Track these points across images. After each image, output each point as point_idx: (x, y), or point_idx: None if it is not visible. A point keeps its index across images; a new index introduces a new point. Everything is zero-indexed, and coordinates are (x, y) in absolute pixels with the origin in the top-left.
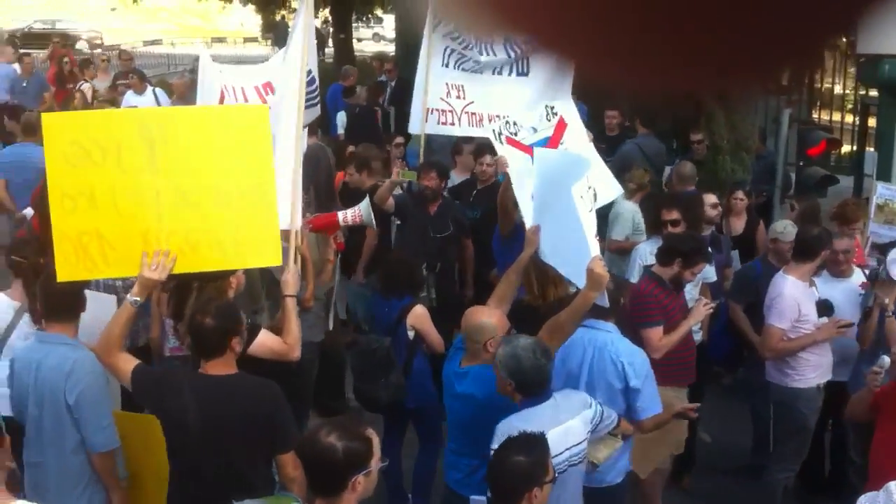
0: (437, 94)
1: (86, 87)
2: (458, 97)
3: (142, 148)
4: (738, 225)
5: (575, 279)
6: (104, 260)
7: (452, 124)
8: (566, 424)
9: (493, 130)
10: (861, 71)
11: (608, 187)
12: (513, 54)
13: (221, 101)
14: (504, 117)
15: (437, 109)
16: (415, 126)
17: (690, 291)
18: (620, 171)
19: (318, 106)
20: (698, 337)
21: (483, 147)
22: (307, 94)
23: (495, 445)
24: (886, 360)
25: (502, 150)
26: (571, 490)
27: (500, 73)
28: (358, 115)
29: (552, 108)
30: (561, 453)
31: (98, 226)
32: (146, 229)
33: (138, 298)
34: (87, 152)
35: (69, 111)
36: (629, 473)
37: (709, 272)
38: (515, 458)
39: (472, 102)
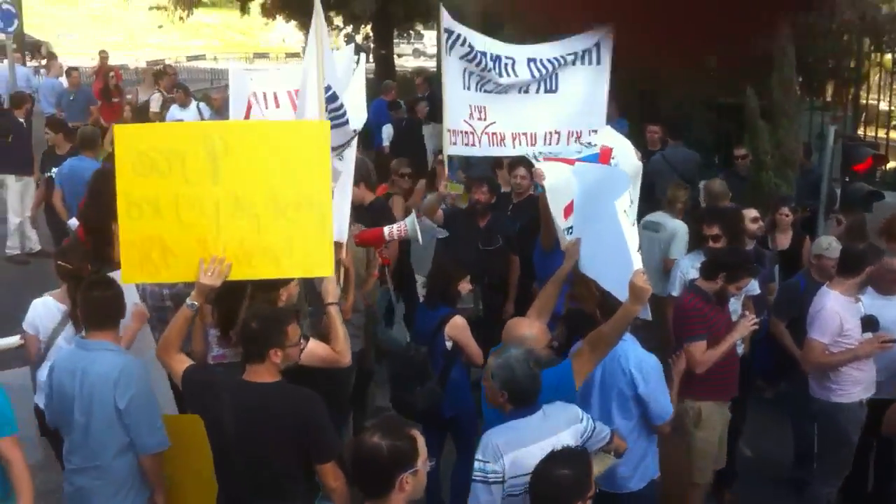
0: (459, 116)
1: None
2: (480, 119)
3: (205, 160)
4: (784, 240)
5: (617, 292)
6: (165, 265)
7: (473, 145)
8: (554, 437)
9: (529, 153)
10: None
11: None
12: (537, 74)
13: (248, 110)
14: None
15: (460, 131)
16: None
17: (733, 304)
18: (647, 185)
19: (349, 127)
20: (740, 350)
21: (517, 160)
22: (331, 111)
23: (480, 456)
24: None
25: (539, 164)
26: None
27: (526, 91)
28: (405, 128)
29: (589, 143)
30: None
31: (161, 233)
32: (205, 237)
33: (195, 303)
34: (154, 163)
35: (138, 123)
36: (654, 482)
37: (753, 285)
38: (560, 472)
39: (494, 123)
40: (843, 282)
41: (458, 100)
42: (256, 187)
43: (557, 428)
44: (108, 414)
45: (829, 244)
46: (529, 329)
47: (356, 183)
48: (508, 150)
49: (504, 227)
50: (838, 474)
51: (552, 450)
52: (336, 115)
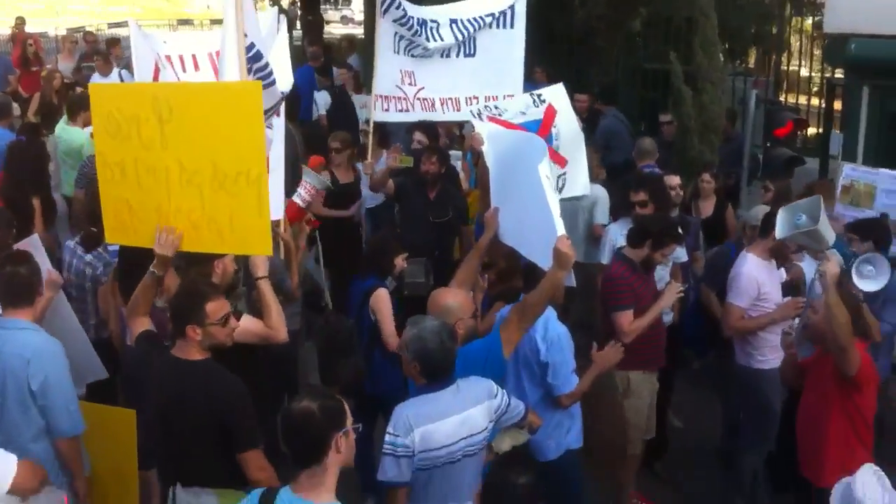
0: (391, 81)
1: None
2: (410, 84)
3: (155, 123)
4: (707, 208)
5: (539, 260)
6: (134, 229)
7: (407, 111)
8: (465, 413)
9: (472, 111)
10: (827, 51)
11: (581, 181)
12: (459, 36)
13: (156, 74)
14: (486, 100)
15: (393, 97)
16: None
17: (661, 273)
18: (607, 145)
19: (276, 88)
20: (669, 318)
21: (415, 124)
22: (257, 70)
23: (391, 429)
24: (800, 322)
25: (481, 126)
26: (468, 480)
27: (447, 55)
28: (337, 97)
29: (539, 95)
30: (456, 442)
31: (128, 196)
32: (159, 204)
33: (154, 271)
34: (119, 125)
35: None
36: (571, 452)
37: (679, 253)
38: (519, 481)
39: (423, 88)
40: (760, 243)
41: (389, 65)
42: (197, 155)
43: (470, 403)
44: (21, 395)
45: (759, 213)
46: (454, 299)
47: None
48: (438, 116)
49: (454, 198)
50: (762, 442)
51: (506, 458)
52: (263, 76)
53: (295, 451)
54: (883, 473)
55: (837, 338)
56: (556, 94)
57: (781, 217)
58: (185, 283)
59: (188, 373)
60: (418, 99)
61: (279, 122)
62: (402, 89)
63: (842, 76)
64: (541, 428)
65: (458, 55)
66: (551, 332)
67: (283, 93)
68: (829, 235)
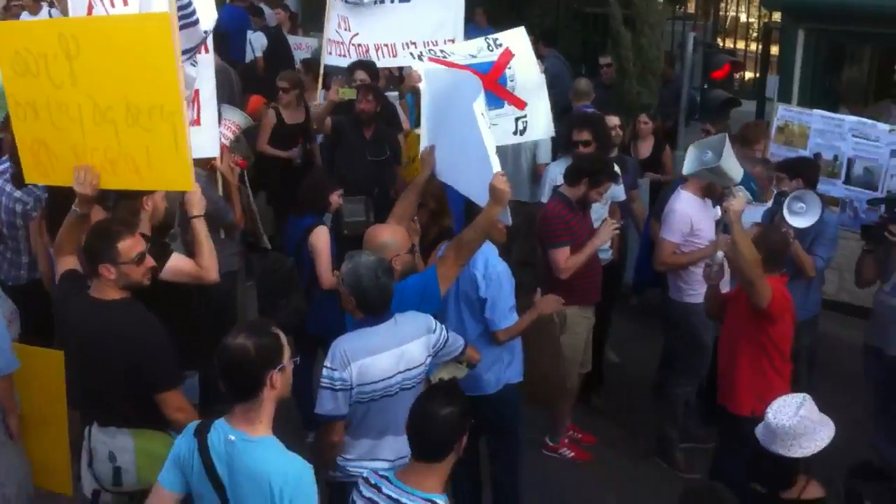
0: (332, 27)
1: None
2: (346, 29)
3: (63, 60)
4: (645, 149)
5: (476, 197)
6: (52, 168)
7: (344, 56)
8: (402, 347)
9: (411, 53)
10: None
11: (543, 124)
12: None
13: (90, 10)
14: (425, 45)
15: (334, 41)
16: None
17: (599, 211)
18: (549, 86)
19: (199, 27)
20: (608, 256)
21: (355, 64)
22: (179, 8)
23: (328, 363)
24: (720, 255)
25: (419, 65)
26: (405, 413)
27: (382, 1)
28: (273, 38)
29: (495, 39)
30: (393, 376)
31: (43, 136)
32: (75, 143)
33: (77, 210)
34: (27, 63)
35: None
36: (510, 386)
37: (617, 192)
38: (445, 410)
39: (358, 34)
40: (694, 181)
41: (332, 10)
42: (109, 91)
43: (407, 337)
44: None
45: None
46: (391, 235)
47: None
48: (374, 62)
49: (390, 137)
50: (693, 375)
51: (430, 390)
52: (185, 14)
53: (230, 386)
54: (803, 398)
55: (744, 272)
56: (516, 38)
57: (690, 154)
58: (98, 223)
59: (102, 312)
60: (353, 45)
61: (207, 58)
62: (340, 34)
63: (780, 20)
64: (480, 362)
65: (392, 0)
66: (491, 269)
67: (206, 31)
68: (735, 172)
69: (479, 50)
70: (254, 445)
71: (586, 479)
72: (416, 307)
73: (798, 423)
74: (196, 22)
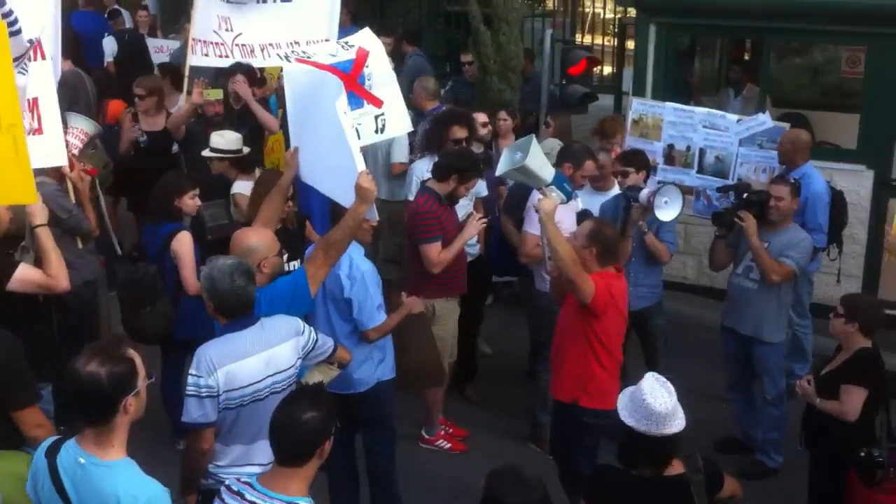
0: (208, 27)
1: None
2: (227, 30)
3: None
4: (505, 145)
5: (340, 199)
6: None
7: (226, 56)
8: (270, 351)
9: (279, 55)
10: None
11: (400, 121)
12: None
13: None
14: (293, 45)
15: (211, 42)
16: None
17: (466, 206)
18: (411, 83)
19: (22, 36)
20: (475, 251)
21: (234, 67)
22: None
23: (193, 370)
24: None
25: (288, 66)
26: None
27: (264, 1)
28: (128, 42)
29: (346, 42)
30: (262, 380)
31: None
32: None
33: None
34: None
35: None
36: (382, 383)
37: (481, 187)
38: (307, 415)
39: (241, 34)
40: None
41: (206, 9)
42: None
43: (275, 341)
44: None
45: (552, 147)
46: (258, 238)
47: None
48: (259, 62)
49: (244, 138)
50: None
51: (293, 394)
52: (8, 23)
53: (80, 411)
54: (666, 380)
55: (562, 271)
56: (365, 38)
57: (504, 155)
58: None
59: None
60: (237, 45)
61: (42, 65)
62: (220, 35)
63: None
64: (352, 361)
65: (274, 0)
66: (355, 269)
67: (30, 41)
68: (546, 172)
69: (336, 51)
70: (104, 469)
71: (461, 466)
72: (287, 308)
73: (675, 402)
74: (19, 31)
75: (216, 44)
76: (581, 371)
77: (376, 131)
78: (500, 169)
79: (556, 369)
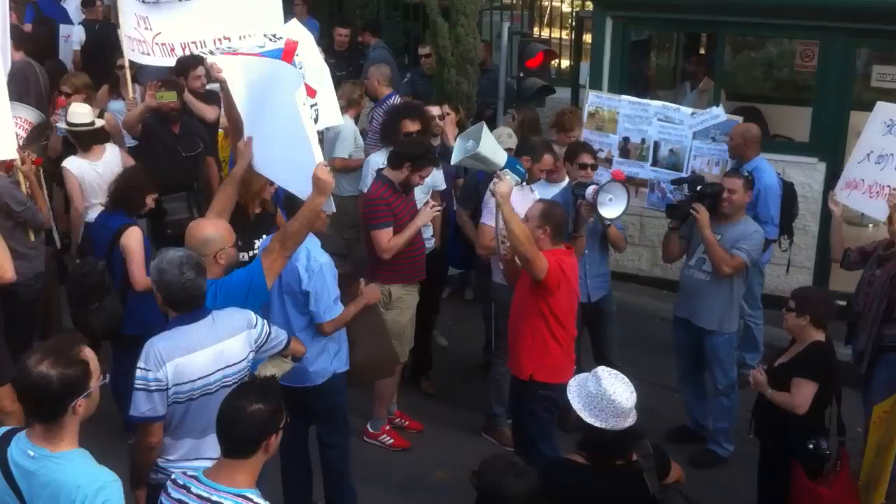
0: (130, 24)
1: None
2: (147, 28)
3: None
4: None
5: (296, 189)
6: None
7: (148, 54)
8: (221, 344)
9: (205, 52)
10: None
11: (331, 112)
12: None
13: None
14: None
15: (135, 39)
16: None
17: (423, 199)
18: None
19: None
20: (432, 244)
21: (188, 64)
22: None
23: (142, 364)
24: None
25: (214, 58)
26: None
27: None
28: (98, 32)
29: (274, 34)
30: (212, 374)
31: None
32: None
33: None
34: None
35: None
36: (337, 375)
37: (438, 179)
38: (254, 407)
39: (160, 33)
40: None
41: (126, 7)
42: None
43: (226, 334)
44: None
45: (508, 134)
46: (213, 229)
47: None
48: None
49: (199, 130)
50: None
51: (242, 386)
52: None
53: (29, 409)
54: (618, 372)
55: (517, 250)
56: (293, 29)
57: (457, 144)
58: None
59: None
60: (157, 44)
61: None
62: (140, 33)
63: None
64: (307, 354)
65: None
66: (313, 262)
67: None
68: (499, 157)
69: (263, 42)
70: (54, 461)
71: (415, 458)
72: (244, 300)
73: (634, 394)
74: None
75: (139, 41)
76: (536, 347)
77: (312, 118)
78: (455, 158)
79: (513, 347)
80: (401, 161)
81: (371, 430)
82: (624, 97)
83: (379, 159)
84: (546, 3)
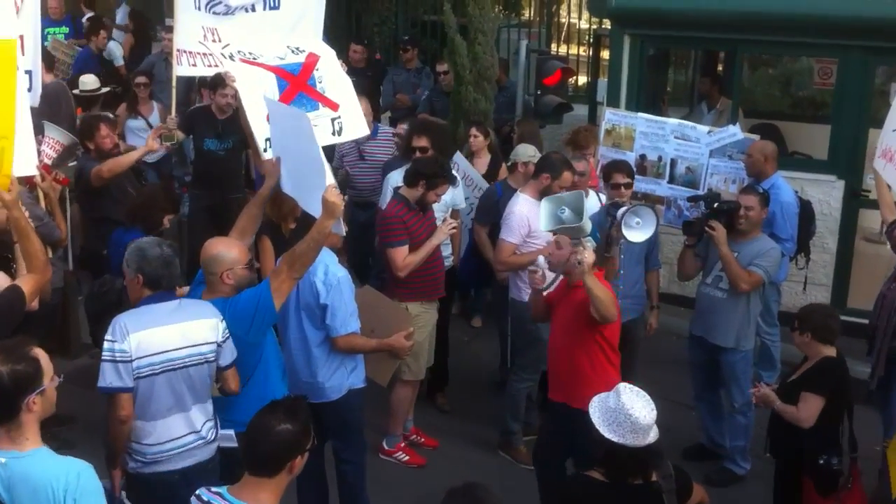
0: (193, 38)
1: None
2: (214, 41)
3: None
4: (481, 165)
5: (314, 211)
6: None
7: (215, 66)
8: (185, 323)
9: (224, 55)
10: (590, 3)
11: (357, 124)
12: None
13: None
14: (240, 48)
15: (198, 53)
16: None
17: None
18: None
19: None
20: (449, 262)
21: (217, 80)
22: None
23: (108, 336)
24: (541, 260)
25: (230, 65)
26: (195, 388)
27: (252, 10)
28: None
29: (298, 47)
30: (176, 349)
31: None
32: None
33: None
34: None
35: None
36: (353, 392)
37: (458, 198)
38: (282, 427)
39: (228, 45)
40: (532, 185)
41: (190, 21)
42: None
43: (191, 316)
44: None
45: (535, 152)
46: (226, 248)
47: None
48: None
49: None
50: (533, 370)
51: (272, 404)
52: None
53: None
54: (640, 390)
55: (601, 313)
56: (315, 44)
57: (545, 209)
58: None
59: None
60: (223, 55)
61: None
62: (206, 45)
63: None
64: (323, 369)
65: (264, 8)
66: (331, 276)
67: None
68: (588, 226)
69: (285, 54)
70: (26, 461)
71: (430, 476)
72: (251, 320)
73: (655, 411)
74: None
75: (203, 54)
76: (598, 377)
77: (333, 133)
78: (547, 225)
79: (571, 381)
80: (416, 179)
81: (387, 447)
82: (640, 115)
83: (397, 176)
84: (563, 21)
